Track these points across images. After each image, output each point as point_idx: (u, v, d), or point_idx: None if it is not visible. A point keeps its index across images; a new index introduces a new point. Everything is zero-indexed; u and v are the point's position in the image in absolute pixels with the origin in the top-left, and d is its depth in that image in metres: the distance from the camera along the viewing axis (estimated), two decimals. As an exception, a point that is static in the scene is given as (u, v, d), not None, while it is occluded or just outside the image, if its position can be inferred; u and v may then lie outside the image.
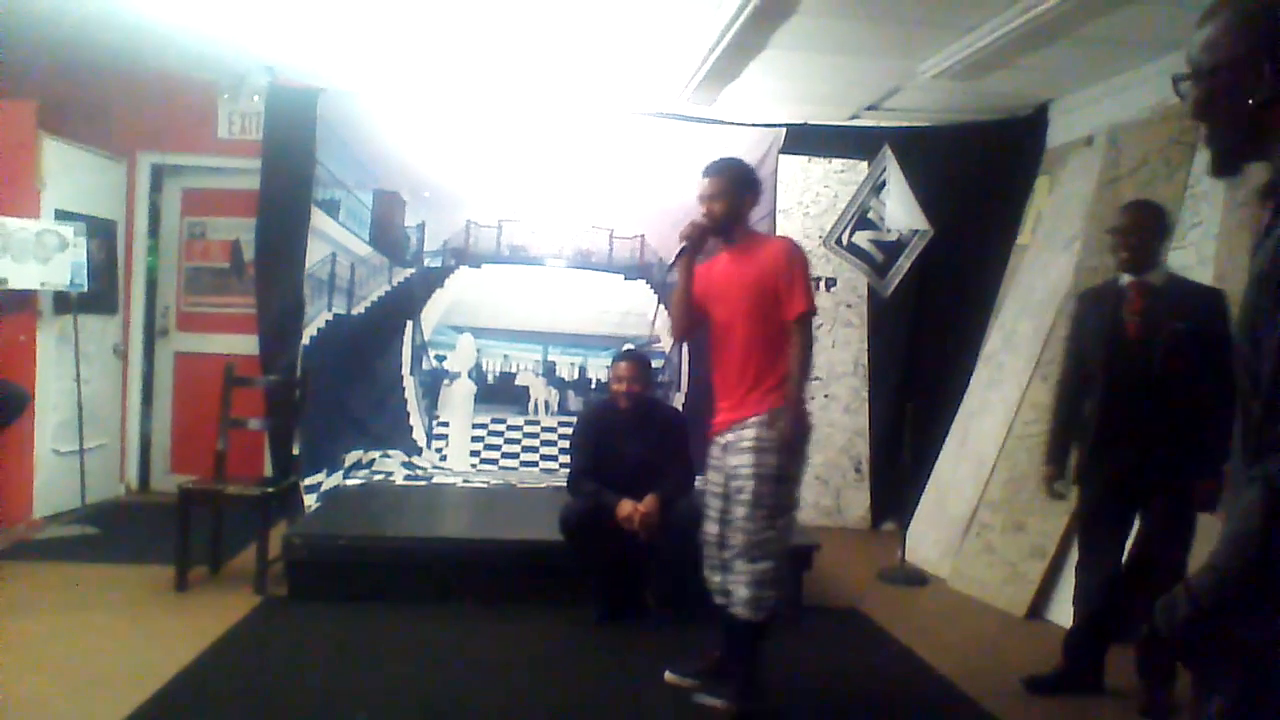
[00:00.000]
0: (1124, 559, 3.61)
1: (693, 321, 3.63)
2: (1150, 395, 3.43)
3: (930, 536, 5.65)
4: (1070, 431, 3.73)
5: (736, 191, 3.50)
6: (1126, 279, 3.59)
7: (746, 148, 5.86)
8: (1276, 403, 1.30)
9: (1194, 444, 3.35)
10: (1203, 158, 4.60)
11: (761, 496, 3.32)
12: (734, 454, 3.39)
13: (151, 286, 6.72)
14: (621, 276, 6.38)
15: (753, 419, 3.36)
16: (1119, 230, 3.60)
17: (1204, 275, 4.19)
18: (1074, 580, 3.80)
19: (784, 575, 3.43)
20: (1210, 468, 3.24)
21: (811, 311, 3.39)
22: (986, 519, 5.25)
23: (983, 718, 3.49)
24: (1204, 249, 4.48)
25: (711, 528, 3.52)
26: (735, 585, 3.37)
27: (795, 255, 3.42)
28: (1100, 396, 3.57)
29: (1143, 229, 3.55)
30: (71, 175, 5.95)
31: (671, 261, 3.57)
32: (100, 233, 6.19)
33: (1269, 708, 1.36)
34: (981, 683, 3.77)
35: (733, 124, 6.31)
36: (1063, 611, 4.42)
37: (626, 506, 4.18)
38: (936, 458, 5.98)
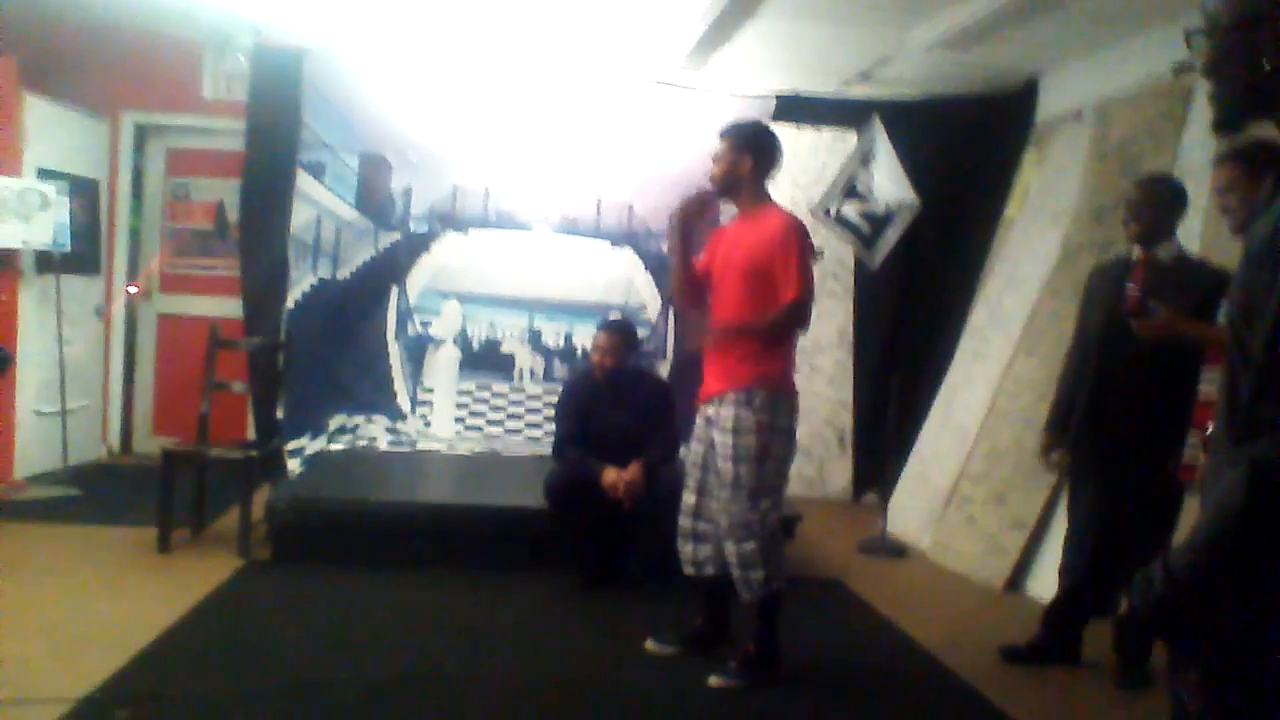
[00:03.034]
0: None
1: (694, 290, 3.59)
2: (1145, 371, 3.43)
3: (912, 508, 5.69)
4: (1073, 403, 3.73)
5: (736, 154, 3.43)
6: (1136, 252, 3.58)
7: (736, 116, 5.82)
8: (1266, 383, 1.30)
9: (1182, 420, 3.36)
10: (1190, 134, 4.60)
11: (741, 478, 3.31)
12: (716, 431, 3.38)
13: (134, 247, 6.66)
14: (609, 243, 6.36)
15: (731, 394, 3.33)
16: (1132, 203, 3.59)
17: (1192, 252, 4.19)
18: (1058, 553, 3.83)
19: (774, 554, 3.37)
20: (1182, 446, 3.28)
21: (805, 297, 3.30)
22: (968, 491, 5.28)
23: (961, 689, 3.52)
24: (1191, 225, 4.48)
25: (689, 498, 3.53)
26: (720, 559, 3.41)
27: (792, 236, 3.31)
28: (1094, 370, 3.58)
29: (1156, 203, 3.53)
30: (54, 133, 5.88)
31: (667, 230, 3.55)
32: (83, 192, 6.13)
33: (1243, 683, 1.37)
34: (960, 654, 3.80)
35: (723, 92, 6.27)
36: (1041, 584, 4.47)
37: (611, 474, 4.18)
38: (919, 430, 6.01)
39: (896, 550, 5.41)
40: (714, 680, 3.37)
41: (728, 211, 3.64)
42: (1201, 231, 4.37)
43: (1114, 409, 3.51)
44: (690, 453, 3.55)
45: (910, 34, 5.34)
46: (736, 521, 3.33)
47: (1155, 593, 1.40)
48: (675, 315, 6.29)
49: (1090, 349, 3.64)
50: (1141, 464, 3.46)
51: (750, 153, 3.44)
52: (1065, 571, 3.75)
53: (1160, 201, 3.55)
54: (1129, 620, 3.39)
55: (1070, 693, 3.57)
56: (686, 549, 3.54)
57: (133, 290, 6.44)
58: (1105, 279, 3.68)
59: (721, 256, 3.49)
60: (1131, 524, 3.51)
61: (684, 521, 3.54)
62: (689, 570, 3.56)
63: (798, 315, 3.33)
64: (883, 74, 6.14)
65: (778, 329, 3.34)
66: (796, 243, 3.31)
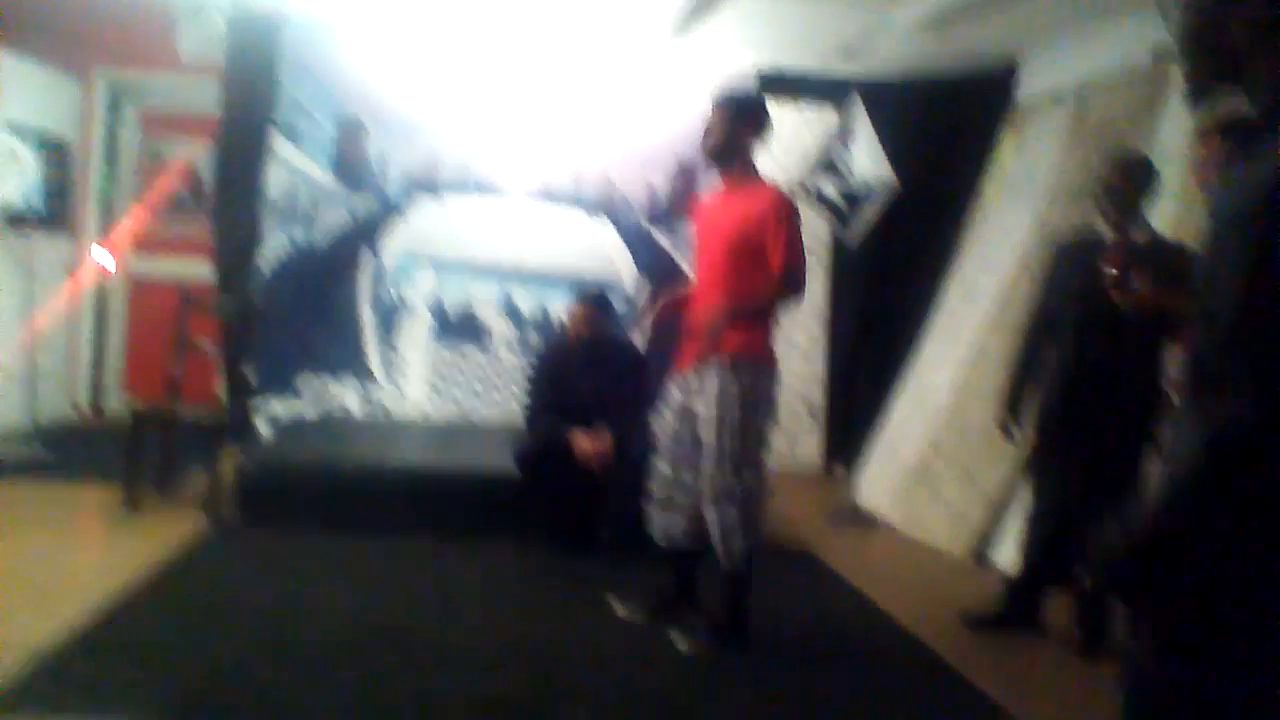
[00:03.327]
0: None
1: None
2: (1118, 351, 3.46)
3: (881, 481, 5.73)
4: (1028, 378, 3.76)
5: (731, 125, 3.39)
6: (1108, 232, 3.59)
7: (728, 84, 5.81)
8: (1228, 344, 1.31)
9: (1148, 402, 3.39)
10: (1167, 119, 4.63)
11: (727, 447, 3.30)
12: (700, 400, 3.37)
13: (106, 208, 6.58)
14: (586, 214, 6.34)
15: (715, 364, 3.31)
16: (1105, 183, 3.59)
17: (1166, 236, 4.22)
18: (1022, 525, 3.88)
19: (754, 524, 3.39)
20: (1152, 426, 3.32)
21: (801, 267, 3.29)
22: (936, 465, 5.33)
23: (925, 656, 3.56)
24: (1165, 208, 4.51)
25: (662, 468, 3.52)
26: (708, 534, 3.39)
27: (787, 208, 3.31)
28: (1069, 348, 3.59)
29: (1130, 182, 3.54)
30: (25, 89, 5.79)
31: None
32: (53, 150, 6.04)
33: (1199, 643, 1.39)
34: (925, 623, 3.84)
35: (706, 65, 6.24)
36: (1006, 556, 4.52)
37: (582, 441, 4.19)
38: (890, 405, 6.05)
39: (865, 522, 5.45)
40: (683, 645, 3.39)
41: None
42: (1175, 214, 4.41)
43: (1088, 385, 3.53)
44: (664, 422, 3.54)
45: (893, 12, 5.34)
46: (721, 490, 3.32)
47: (1113, 550, 1.40)
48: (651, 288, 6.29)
49: (1057, 327, 3.66)
50: (1117, 442, 3.48)
51: (745, 124, 3.42)
52: (1028, 547, 3.79)
53: (1135, 180, 3.56)
54: (1091, 587, 3.44)
55: (1031, 660, 3.63)
56: (659, 519, 3.54)
57: (103, 258, 6.35)
58: (1072, 258, 3.68)
59: (706, 224, 3.47)
60: (1104, 501, 3.54)
61: (657, 491, 3.54)
62: (661, 541, 3.57)
63: (798, 285, 3.33)
64: (865, 53, 6.14)
65: (781, 301, 3.34)
66: (792, 214, 3.32)
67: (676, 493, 3.49)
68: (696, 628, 3.46)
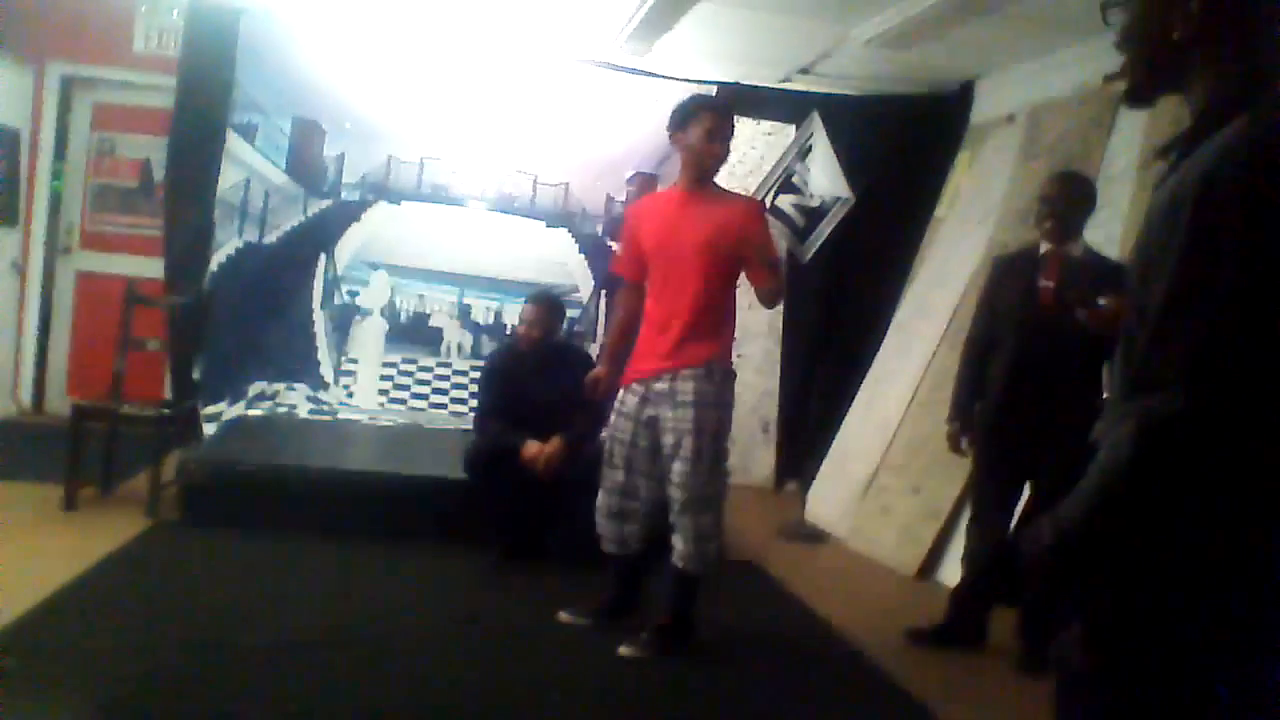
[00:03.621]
0: (1013, 523, 3.71)
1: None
2: (1057, 364, 3.51)
3: (831, 497, 5.75)
4: (974, 391, 3.81)
5: (728, 136, 3.47)
6: (1046, 248, 3.65)
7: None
8: (1159, 338, 1.32)
9: (1093, 413, 3.43)
10: (1117, 141, 4.72)
11: (704, 452, 3.32)
12: (669, 407, 3.35)
13: (55, 202, 6.47)
14: (543, 223, 6.33)
15: (687, 370, 3.32)
16: (1045, 199, 3.66)
17: (1111, 256, 4.29)
18: (964, 540, 3.91)
19: (721, 527, 3.44)
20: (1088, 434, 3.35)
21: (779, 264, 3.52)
22: (886, 481, 5.36)
23: (867, 667, 3.58)
24: (1112, 229, 4.59)
25: (616, 475, 3.50)
26: (677, 539, 3.38)
27: (761, 216, 3.51)
28: (1008, 361, 3.64)
29: (1069, 199, 3.62)
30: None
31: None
32: (2, 142, 5.94)
33: (1128, 636, 1.40)
34: (870, 636, 3.86)
35: (664, 78, 6.27)
36: (952, 572, 4.54)
37: (532, 447, 4.17)
38: (842, 420, 6.07)
39: (814, 536, 5.46)
40: (624, 650, 3.38)
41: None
42: (1123, 235, 4.48)
43: (1027, 398, 3.58)
44: (616, 430, 3.52)
45: (852, 29, 5.39)
46: (697, 495, 3.33)
47: (1042, 544, 1.41)
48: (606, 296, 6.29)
49: (998, 339, 3.71)
50: (1056, 450, 3.52)
51: (731, 134, 3.47)
52: (969, 557, 3.82)
53: (1073, 198, 3.64)
54: (1034, 602, 3.47)
55: (972, 673, 3.64)
56: (610, 528, 3.53)
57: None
58: (1012, 272, 3.76)
59: (667, 236, 3.43)
60: (1041, 512, 3.57)
61: (610, 500, 3.51)
62: (611, 549, 3.56)
63: (780, 288, 3.50)
64: (823, 69, 6.19)
65: (772, 296, 3.43)
66: (766, 221, 3.51)
67: (630, 501, 3.48)
68: (643, 633, 3.45)
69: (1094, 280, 3.45)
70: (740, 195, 3.52)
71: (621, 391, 3.53)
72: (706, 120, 3.36)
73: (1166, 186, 1.40)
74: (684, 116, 3.39)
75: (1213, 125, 1.35)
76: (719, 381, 3.37)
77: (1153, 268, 1.35)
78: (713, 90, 6.26)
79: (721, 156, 3.42)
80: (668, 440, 3.36)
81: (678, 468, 3.34)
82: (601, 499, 3.54)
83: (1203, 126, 1.37)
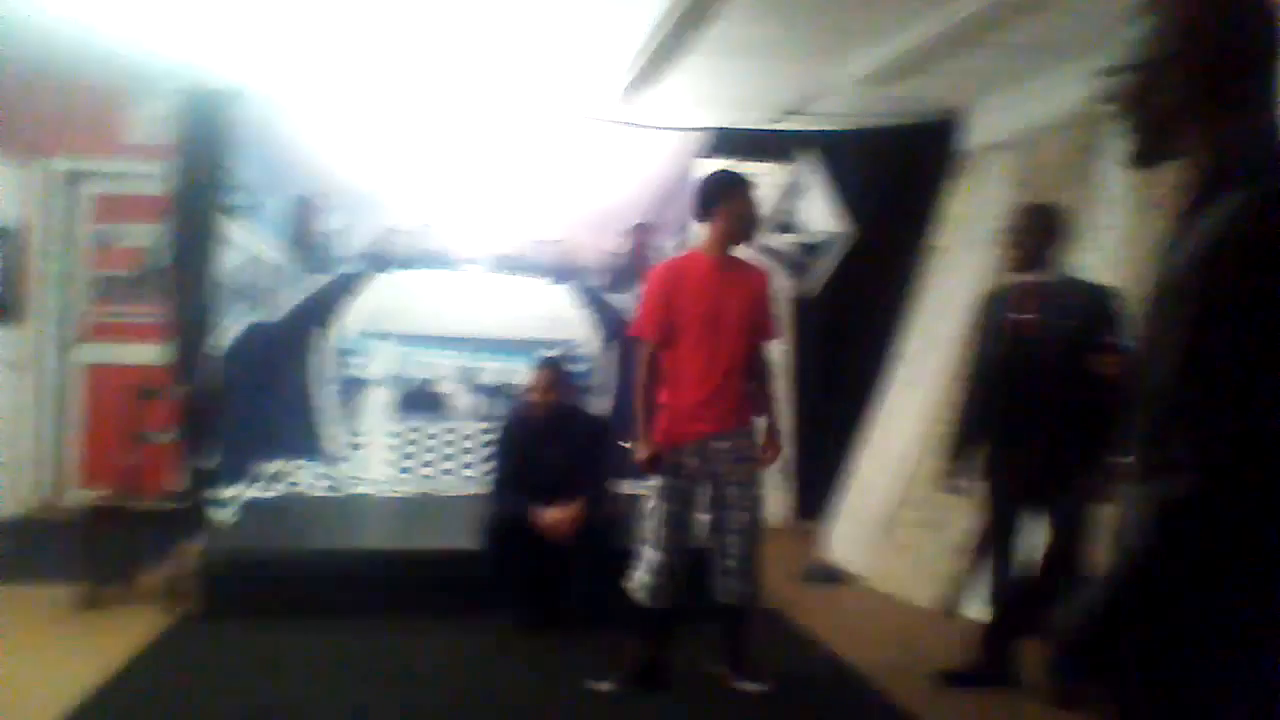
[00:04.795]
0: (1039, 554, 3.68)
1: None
2: (1045, 393, 3.51)
3: (850, 534, 5.72)
4: (972, 429, 3.79)
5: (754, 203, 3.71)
6: (1018, 279, 3.68)
7: (668, 152, 5.87)
8: (1167, 421, 1.32)
9: (1086, 440, 3.43)
10: (1106, 164, 4.72)
11: (759, 502, 3.62)
12: (729, 461, 3.55)
13: (60, 296, 6.52)
14: (546, 280, 6.34)
15: (740, 429, 3.60)
16: (1010, 231, 3.71)
17: (1113, 278, 4.28)
18: (988, 578, 3.88)
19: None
20: (1095, 464, 3.35)
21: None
22: (906, 516, 5.32)
23: (901, 714, 3.53)
24: (1111, 252, 4.58)
25: (676, 534, 3.56)
26: (731, 581, 3.56)
27: (770, 286, 3.75)
28: (1001, 395, 3.65)
29: (1032, 230, 3.64)
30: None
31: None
32: (3, 241, 5.99)
33: (1159, 712, 1.39)
34: (900, 679, 3.83)
35: (653, 128, 6.29)
36: (976, 607, 4.50)
37: (549, 515, 4.17)
38: (857, 457, 6.04)
39: (835, 577, 5.43)
40: (747, 686, 3.64)
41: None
42: (1123, 257, 4.48)
43: (1023, 432, 3.59)
44: (673, 490, 3.56)
45: (840, 69, 5.42)
46: (757, 542, 3.60)
47: (1073, 628, 1.42)
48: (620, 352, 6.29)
49: (990, 374, 3.72)
50: (1057, 483, 3.52)
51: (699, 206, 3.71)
52: (994, 596, 3.81)
53: (1037, 228, 3.65)
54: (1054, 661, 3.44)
55: (1004, 712, 3.59)
56: (666, 585, 3.56)
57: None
58: (993, 305, 3.79)
59: (711, 303, 3.56)
60: (1059, 543, 3.56)
61: (666, 558, 3.55)
62: (663, 604, 3.58)
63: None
64: (813, 108, 6.22)
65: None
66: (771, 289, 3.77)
67: (677, 556, 3.57)
68: (743, 684, 3.66)
69: (1071, 306, 3.52)
70: (753, 263, 3.77)
71: (672, 451, 3.56)
72: (743, 195, 3.60)
73: (1169, 261, 1.39)
74: (719, 193, 3.63)
75: (1215, 191, 1.34)
76: (756, 436, 3.67)
77: (1159, 346, 1.35)
78: (702, 136, 6.30)
79: (758, 228, 3.72)
80: (732, 492, 3.56)
81: (743, 516, 3.57)
82: (655, 557, 3.57)
83: (1206, 192, 1.36)
